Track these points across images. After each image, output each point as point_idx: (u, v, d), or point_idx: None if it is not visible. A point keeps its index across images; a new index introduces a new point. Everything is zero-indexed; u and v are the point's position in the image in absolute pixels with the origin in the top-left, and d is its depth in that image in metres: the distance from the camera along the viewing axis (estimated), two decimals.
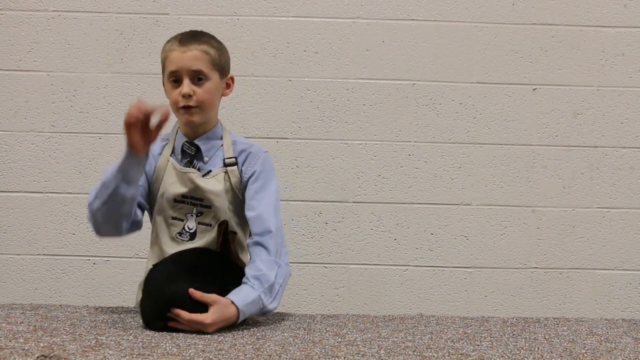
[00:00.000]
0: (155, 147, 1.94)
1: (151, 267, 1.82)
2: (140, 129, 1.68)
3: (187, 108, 1.86)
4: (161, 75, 1.96)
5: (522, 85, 2.49)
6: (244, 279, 1.82)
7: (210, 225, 1.88)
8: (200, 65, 1.86)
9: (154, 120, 1.69)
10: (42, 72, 2.48)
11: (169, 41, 1.92)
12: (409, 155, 2.48)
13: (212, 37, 1.94)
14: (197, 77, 1.86)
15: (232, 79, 1.99)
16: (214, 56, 1.89)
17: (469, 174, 2.48)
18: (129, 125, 1.67)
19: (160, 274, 1.74)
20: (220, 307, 1.70)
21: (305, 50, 2.49)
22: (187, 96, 1.85)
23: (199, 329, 1.66)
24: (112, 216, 1.77)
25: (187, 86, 1.85)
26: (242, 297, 1.75)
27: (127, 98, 2.47)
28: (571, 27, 2.50)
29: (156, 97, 2.45)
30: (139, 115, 1.66)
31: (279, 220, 1.92)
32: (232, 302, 1.72)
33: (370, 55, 2.49)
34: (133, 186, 1.76)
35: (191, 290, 1.67)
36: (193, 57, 1.86)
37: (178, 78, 1.86)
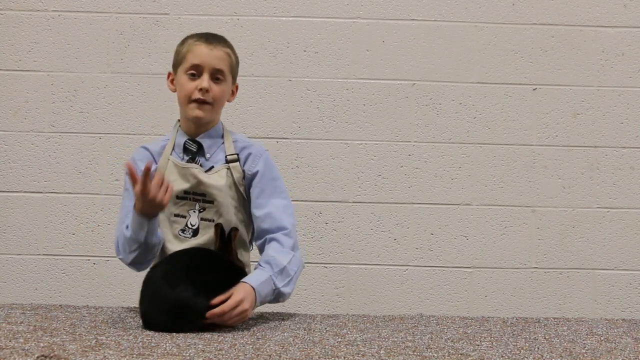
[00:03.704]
0: (156, 147, 1.96)
1: (149, 269, 1.82)
2: (149, 196, 1.73)
3: (200, 102, 1.89)
4: (171, 70, 1.96)
5: (522, 85, 2.49)
6: (255, 265, 1.85)
7: (213, 220, 1.89)
8: (223, 65, 1.91)
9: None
10: (42, 72, 2.48)
11: (192, 37, 1.94)
12: (409, 155, 2.48)
13: (230, 44, 1.99)
14: (217, 76, 1.91)
15: (236, 87, 2.03)
16: (233, 61, 1.95)
17: (469, 174, 2.48)
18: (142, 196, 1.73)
19: (157, 276, 1.74)
20: (238, 289, 1.72)
21: (305, 50, 2.49)
22: (205, 91, 1.88)
23: (241, 313, 1.68)
24: (149, 256, 1.87)
25: (206, 81, 1.88)
26: (254, 277, 1.78)
27: (127, 98, 2.47)
28: (571, 27, 2.50)
29: (156, 96, 2.45)
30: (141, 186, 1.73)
31: (292, 218, 1.94)
32: (245, 282, 1.75)
33: (370, 55, 2.49)
34: (158, 231, 1.84)
35: (214, 302, 1.67)
36: (219, 56, 1.90)
37: (198, 72, 1.90)
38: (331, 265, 2.46)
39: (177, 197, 1.89)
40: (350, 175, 2.48)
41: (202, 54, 1.89)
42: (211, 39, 1.93)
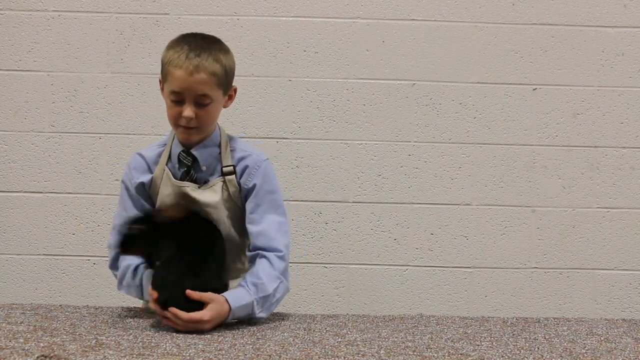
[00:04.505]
0: (151, 154, 1.91)
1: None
2: None
3: (186, 128, 1.81)
4: (159, 75, 1.90)
5: (522, 85, 2.49)
6: (241, 282, 1.80)
7: None
8: (206, 89, 1.77)
9: None
10: (42, 72, 2.48)
11: (175, 49, 1.79)
12: (409, 155, 2.48)
13: (221, 49, 1.84)
14: (201, 101, 1.79)
15: (235, 90, 1.92)
16: (220, 76, 1.80)
17: (469, 174, 2.48)
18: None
19: (162, 274, 1.74)
20: (216, 305, 1.68)
21: (305, 50, 2.49)
22: (189, 119, 1.78)
23: (196, 328, 1.65)
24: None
25: (189, 110, 1.77)
26: (237, 297, 1.73)
27: (127, 98, 2.47)
28: (571, 27, 2.50)
29: (156, 97, 2.45)
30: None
31: (286, 238, 1.87)
32: (227, 301, 1.71)
33: (370, 55, 2.49)
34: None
35: (189, 292, 1.66)
36: (200, 81, 1.76)
37: (180, 99, 1.78)
38: (331, 265, 2.46)
39: None
40: (350, 175, 2.48)
41: (180, 80, 1.74)
42: (193, 56, 1.75)
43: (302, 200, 2.45)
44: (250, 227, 1.87)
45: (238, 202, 1.89)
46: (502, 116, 2.49)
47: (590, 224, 2.48)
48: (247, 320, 1.84)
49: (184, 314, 1.64)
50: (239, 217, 1.91)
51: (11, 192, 2.47)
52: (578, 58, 2.50)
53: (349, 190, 2.47)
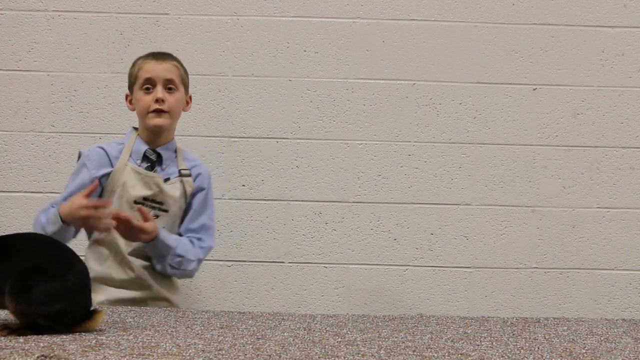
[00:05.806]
0: (112, 150, 2.06)
1: None
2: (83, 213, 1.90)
3: (158, 112, 2.02)
4: (127, 92, 2.10)
5: (522, 85, 2.49)
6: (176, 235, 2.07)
7: (165, 228, 2.01)
8: (173, 75, 2.06)
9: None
10: (42, 72, 2.48)
11: (140, 58, 2.09)
12: (409, 155, 2.48)
13: (177, 58, 2.13)
14: (169, 87, 2.04)
15: (190, 97, 2.15)
16: (182, 72, 2.10)
17: (469, 174, 2.48)
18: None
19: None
20: (154, 224, 1.94)
21: (305, 50, 2.49)
22: (161, 101, 2.01)
23: (138, 237, 1.91)
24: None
25: (160, 91, 2.02)
26: (167, 235, 1.98)
27: None
28: (571, 27, 2.50)
29: None
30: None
31: (213, 242, 2.12)
32: (161, 230, 1.97)
33: (370, 55, 2.49)
34: (67, 236, 1.99)
35: (139, 207, 1.90)
36: (168, 68, 2.06)
37: (152, 85, 2.03)
38: (331, 265, 2.46)
39: (135, 202, 2.00)
40: (350, 175, 2.48)
41: (152, 68, 2.05)
42: (158, 55, 2.08)
43: (302, 200, 2.46)
44: (191, 225, 2.09)
45: (187, 200, 2.10)
46: (502, 116, 2.49)
47: (590, 224, 2.48)
48: (249, 318, 1.85)
49: (135, 222, 1.89)
50: (182, 214, 2.10)
51: (11, 192, 2.47)
52: (578, 58, 2.50)
53: (349, 190, 2.47)
